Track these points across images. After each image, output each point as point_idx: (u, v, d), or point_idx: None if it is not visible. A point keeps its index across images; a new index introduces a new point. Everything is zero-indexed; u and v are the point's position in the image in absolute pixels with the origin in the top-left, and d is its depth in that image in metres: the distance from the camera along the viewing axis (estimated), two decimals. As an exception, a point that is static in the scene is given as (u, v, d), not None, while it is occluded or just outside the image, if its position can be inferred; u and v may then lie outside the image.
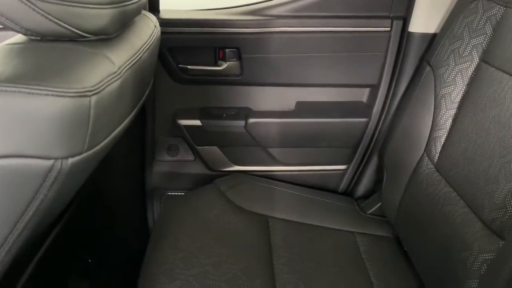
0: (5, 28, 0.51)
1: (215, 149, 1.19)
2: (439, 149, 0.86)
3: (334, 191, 1.25)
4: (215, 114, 1.15)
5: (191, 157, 1.23)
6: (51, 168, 0.45)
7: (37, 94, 0.43)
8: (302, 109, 1.17)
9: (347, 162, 1.22)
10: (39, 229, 0.54)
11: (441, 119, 0.87)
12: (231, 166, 1.22)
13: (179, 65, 1.10)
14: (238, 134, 1.15)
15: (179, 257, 0.85)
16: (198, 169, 1.23)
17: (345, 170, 1.23)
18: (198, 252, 0.87)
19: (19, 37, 0.55)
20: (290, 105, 1.17)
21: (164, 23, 1.02)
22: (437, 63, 0.91)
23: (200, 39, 1.07)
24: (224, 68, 1.09)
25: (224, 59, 1.09)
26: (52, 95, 0.43)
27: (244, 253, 0.89)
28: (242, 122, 1.13)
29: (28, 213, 0.48)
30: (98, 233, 1.22)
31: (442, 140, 0.86)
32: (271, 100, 1.16)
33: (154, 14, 0.97)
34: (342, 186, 1.24)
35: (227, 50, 1.08)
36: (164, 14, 1.08)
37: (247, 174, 1.19)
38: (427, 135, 0.89)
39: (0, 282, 0.55)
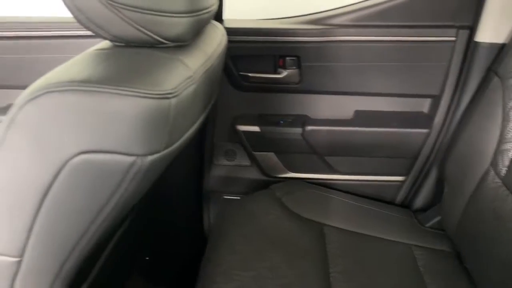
0: (91, 32, 0.55)
1: (271, 155, 1.20)
2: (507, 163, 0.83)
3: (390, 203, 1.23)
4: (273, 121, 1.17)
5: (247, 162, 1.25)
6: (132, 164, 0.49)
7: (124, 94, 0.46)
8: (360, 118, 1.16)
9: (405, 173, 1.20)
10: (114, 222, 0.58)
11: (510, 132, 0.84)
12: (286, 172, 1.23)
13: (240, 73, 1.13)
14: (294, 141, 1.16)
15: (235, 259, 0.87)
16: (254, 174, 1.25)
17: (403, 181, 1.20)
18: (254, 255, 0.89)
19: (104, 44, 0.59)
20: (348, 113, 1.17)
21: (227, 32, 1.06)
22: (506, 74, 0.88)
23: (262, 48, 1.10)
24: (283, 76, 1.11)
25: (284, 67, 1.11)
26: (137, 96, 0.47)
27: (300, 260, 0.89)
28: (299, 130, 1.15)
29: (108, 206, 0.52)
30: (156, 232, 1.27)
31: (510, 154, 0.83)
32: (329, 108, 1.17)
33: (219, 23, 1.01)
34: (399, 197, 1.22)
35: (287, 58, 1.10)
36: (227, 23, 1.11)
37: (302, 181, 1.20)
38: (494, 148, 0.86)
39: (76, 275, 0.59)
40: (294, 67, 1.10)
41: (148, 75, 0.50)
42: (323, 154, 1.18)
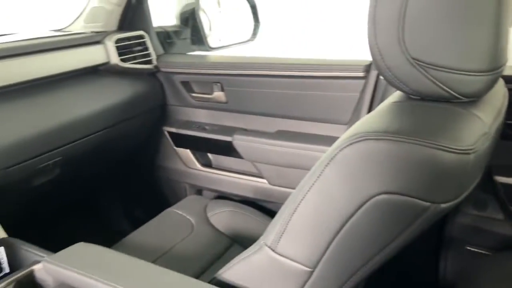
0: (392, 86, 0.63)
1: (534, 213, 1.09)
2: None
3: None
4: None
5: (500, 215, 1.16)
6: (426, 209, 0.54)
7: (428, 146, 0.52)
8: None
9: None
10: (391, 257, 0.63)
11: None
12: (551, 235, 1.09)
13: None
14: None
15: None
16: (507, 230, 1.15)
17: None
18: None
19: (399, 96, 0.66)
20: None
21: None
22: None
23: None
24: None
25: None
26: (440, 149, 0.51)
27: None
28: None
29: (394, 243, 0.58)
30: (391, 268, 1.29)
31: None
32: None
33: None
34: None
35: None
36: None
37: None
38: None
39: None
40: None
41: (449, 129, 0.55)
42: None
